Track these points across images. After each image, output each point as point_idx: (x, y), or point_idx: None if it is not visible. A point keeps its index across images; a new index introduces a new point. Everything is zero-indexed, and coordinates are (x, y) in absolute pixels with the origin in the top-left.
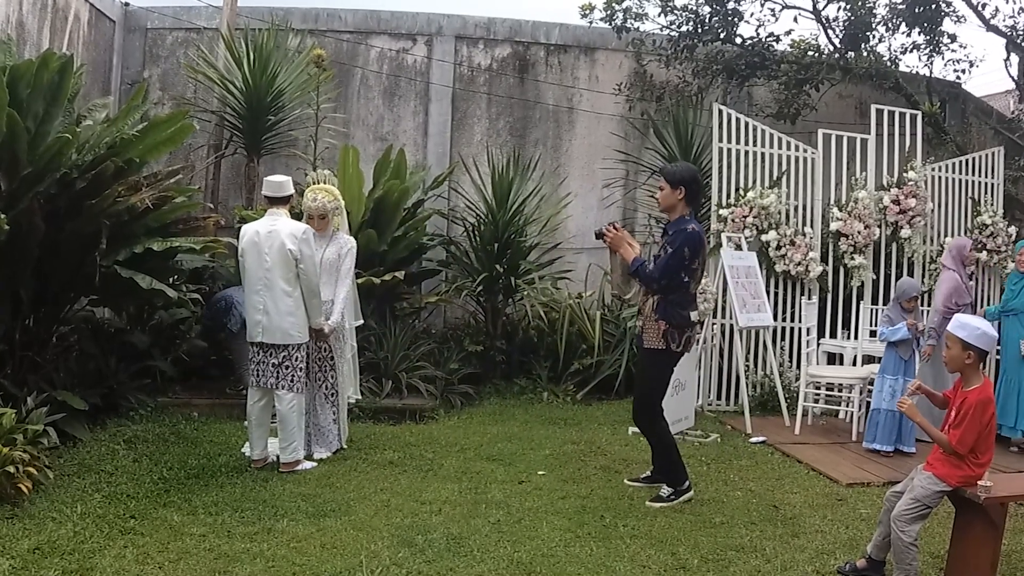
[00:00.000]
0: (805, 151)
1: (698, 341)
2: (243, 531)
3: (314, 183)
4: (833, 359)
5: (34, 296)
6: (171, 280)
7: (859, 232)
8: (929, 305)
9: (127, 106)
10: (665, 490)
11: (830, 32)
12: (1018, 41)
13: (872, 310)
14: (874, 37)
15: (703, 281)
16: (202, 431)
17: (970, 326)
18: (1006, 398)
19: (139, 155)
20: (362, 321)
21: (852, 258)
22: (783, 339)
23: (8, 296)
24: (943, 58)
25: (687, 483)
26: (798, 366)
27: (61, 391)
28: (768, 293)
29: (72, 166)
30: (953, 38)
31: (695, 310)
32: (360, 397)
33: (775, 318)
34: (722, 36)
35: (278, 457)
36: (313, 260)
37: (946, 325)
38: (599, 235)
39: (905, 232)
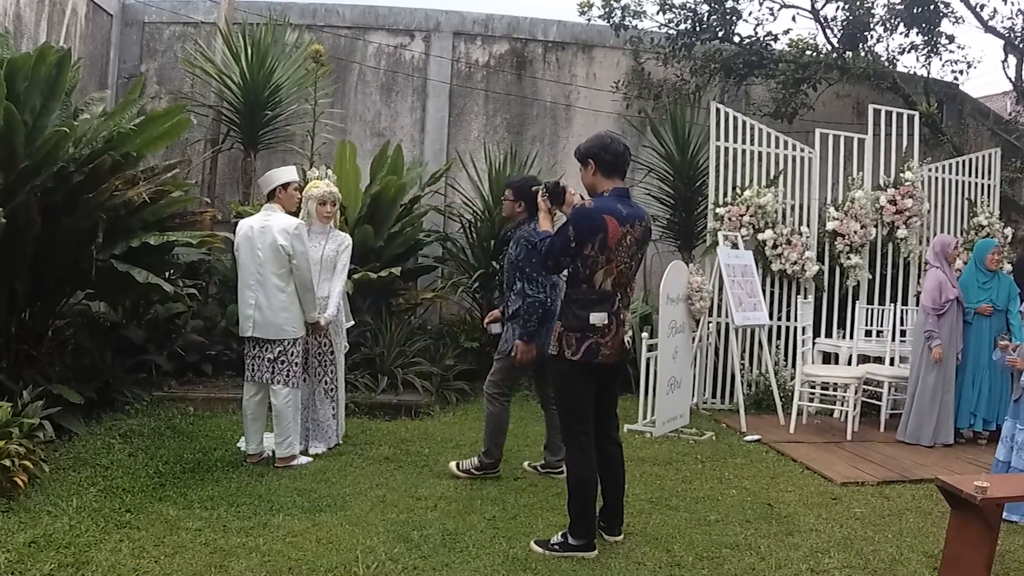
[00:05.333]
0: (802, 150)
1: (694, 339)
2: (239, 526)
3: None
4: (828, 358)
5: (30, 290)
6: (167, 274)
7: (855, 232)
8: (918, 305)
9: (124, 100)
10: (557, 536)
11: (828, 32)
12: (1016, 43)
13: (868, 310)
14: (872, 37)
15: (699, 279)
16: (198, 425)
17: None
18: (965, 391)
19: (136, 149)
20: (352, 322)
21: (848, 258)
22: (779, 338)
23: (4, 290)
24: (941, 59)
25: (586, 543)
26: (793, 365)
27: (57, 385)
28: (764, 292)
29: (69, 160)
30: (951, 39)
31: (601, 312)
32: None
33: (771, 317)
34: (720, 35)
35: (274, 452)
36: (306, 255)
37: (936, 324)
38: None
39: (901, 232)
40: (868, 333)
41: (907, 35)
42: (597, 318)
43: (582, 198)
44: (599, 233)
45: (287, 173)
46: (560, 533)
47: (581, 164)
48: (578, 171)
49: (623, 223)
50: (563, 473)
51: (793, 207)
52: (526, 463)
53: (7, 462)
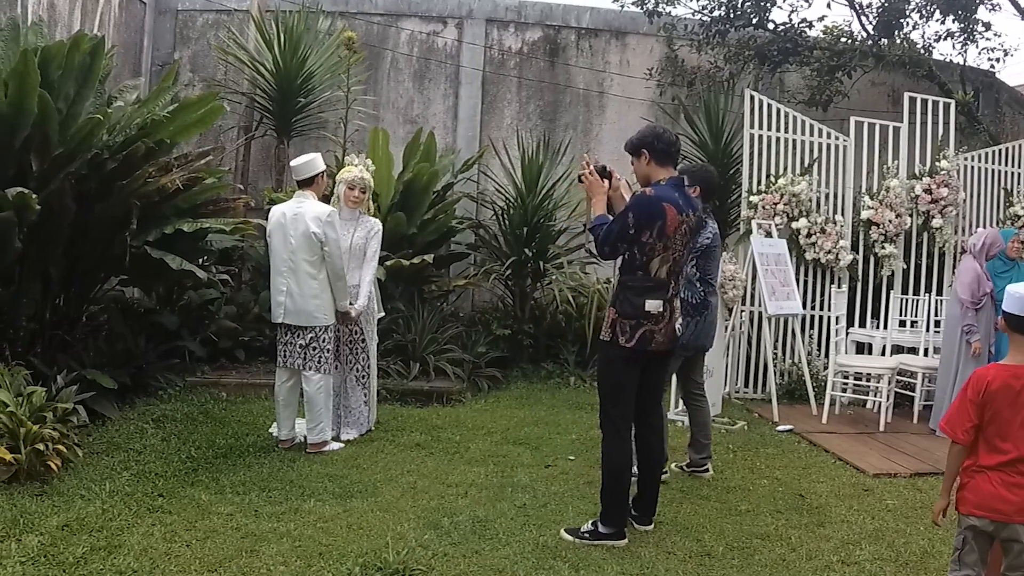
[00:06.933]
0: (837, 138)
1: (727, 327)
2: (270, 511)
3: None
4: (862, 348)
5: (64, 276)
6: (201, 261)
7: (890, 221)
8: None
9: (158, 87)
10: (588, 524)
11: (863, 18)
12: None
13: (902, 300)
14: (908, 24)
15: (732, 268)
16: (230, 411)
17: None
18: None
19: (170, 136)
20: (383, 314)
21: (883, 247)
22: (812, 327)
23: (39, 275)
24: (977, 47)
25: (616, 531)
26: (826, 355)
27: (90, 370)
28: (798, 281)
29: (103, 147)
30: (988, 26)
31: (656, 299)
32: None
33: (804, 306)
34: (754, 21)
35: (305, 438)
36: (338, 243)
37: (974, 318)
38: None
39: (937, 222)
40: (902, 323)
41: (943, 22)
42: (652, 305)
43: (628, 184)
44: (658, 220)
45: (318, 163)
46: (591, 521)
47: (633, 155)
48: (612, 158)
49: (681, 211)
50: (708, 472)
51: (827, 196)
52: (673, 464)
53: (41, 446)
